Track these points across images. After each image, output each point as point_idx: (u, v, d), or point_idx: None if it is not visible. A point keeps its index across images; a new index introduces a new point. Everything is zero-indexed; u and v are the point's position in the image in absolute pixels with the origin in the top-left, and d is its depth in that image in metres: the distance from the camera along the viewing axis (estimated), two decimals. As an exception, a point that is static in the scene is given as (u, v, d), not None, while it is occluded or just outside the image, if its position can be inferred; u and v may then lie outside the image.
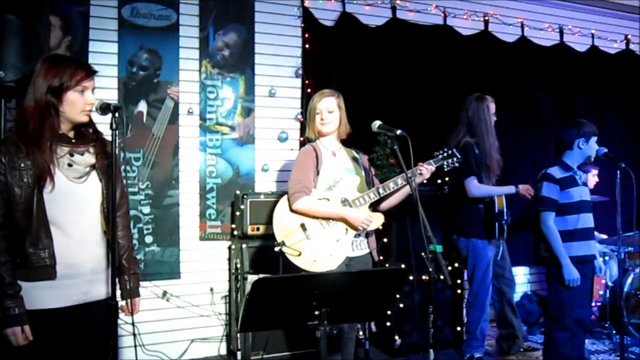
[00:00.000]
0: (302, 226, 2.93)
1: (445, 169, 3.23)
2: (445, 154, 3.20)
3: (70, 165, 2.10)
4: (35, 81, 2.07)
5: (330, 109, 3.06)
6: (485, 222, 3.99)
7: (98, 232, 2.19)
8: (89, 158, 2.16)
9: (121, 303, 2.31)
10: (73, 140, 2.14)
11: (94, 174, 2.18)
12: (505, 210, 4.00)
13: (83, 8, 3.97)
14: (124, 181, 2.44)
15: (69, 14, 3.91)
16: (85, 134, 2.19)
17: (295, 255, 2.88)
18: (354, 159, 3.21)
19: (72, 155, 2.11)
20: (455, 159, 3.20)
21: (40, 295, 2.04)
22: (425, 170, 3.06)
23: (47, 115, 2.05)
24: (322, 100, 3.07)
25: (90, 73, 2.13)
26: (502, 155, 4.13)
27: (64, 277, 2.06)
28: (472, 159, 3.89)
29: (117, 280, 2.25)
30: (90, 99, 2.12)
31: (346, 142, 3.27)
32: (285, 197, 3.02)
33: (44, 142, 2.04)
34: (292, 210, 2.94)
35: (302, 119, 4.56)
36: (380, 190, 3.04)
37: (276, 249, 2.92)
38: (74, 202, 2.10)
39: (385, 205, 3.19)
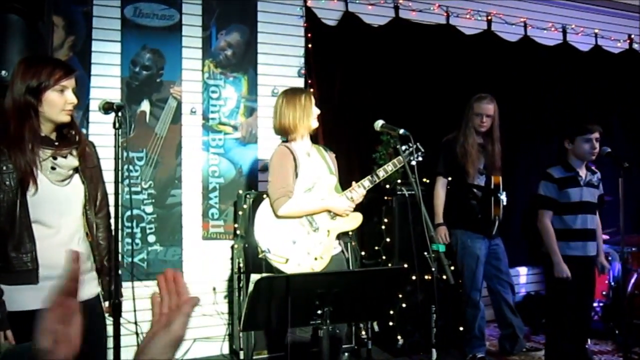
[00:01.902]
0: (286, 232, 2.93)
1: (413, 163, 3.24)
2: (410, 149, 3.17)
3: (53, 168, 2.06)
4: (13, 82, 2.04)
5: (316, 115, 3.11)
6: (482, 208, 4.01)
7: (80, 234, 2.18)
8: (72, 161, 2.13)
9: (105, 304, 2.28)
10: (56, 143, 2.11)
11: (76, 176, 2.16)
12: (501, 187, 4.00)
13: (86, 8, 3.98)
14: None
15: (72, 14, 3.93)
16: (67, 135, 2.16)
17: (282, 262, 2.85)
18: (323, 155, 3.19)
19: (55, 158, 2.07)
20: (420, 153, 3.23)
21: (23, 297, 2.00)
22: (357, 194, 3.05)
23: (27, 116, 2.02)
24: (315, 108, 3.08)
25: (69, 72, 2.10)
26: (504, 154, 4.13)
27: (46, 279, 2.01)
28: (444, 157, 4.03)
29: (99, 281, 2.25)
30: (70, 98, 2.09)
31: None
32: (265, 203, 2.98)
33: (25, 144, 2.00)
34: (277, 216, 2.92)
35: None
36: (349, 194, 3.05)
37: (260, 255, 2.89)
38: (57, 205, 2.08)
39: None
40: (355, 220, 3.08)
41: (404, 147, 3.17)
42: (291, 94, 3.10)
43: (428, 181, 4.36)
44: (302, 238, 2.92)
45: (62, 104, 2.07)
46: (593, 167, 3.59)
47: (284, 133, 3.09)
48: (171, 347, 0.93)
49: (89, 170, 2.20)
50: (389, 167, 3.10)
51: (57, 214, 2.08)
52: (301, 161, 3.01)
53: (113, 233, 2.31)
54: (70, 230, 2.12)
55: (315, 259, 2.91)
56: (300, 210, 2.93)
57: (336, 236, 3.04)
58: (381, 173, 3.10)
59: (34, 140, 2.02)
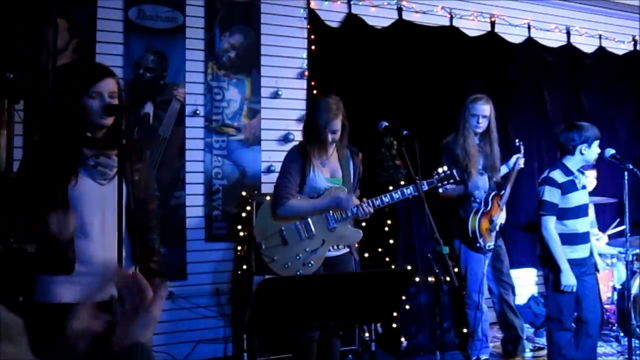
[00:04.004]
0: (281, 232, 2.96)
1: (440, 191, 3.21)
2: (442, 175, 3.14)
3: (94, 166, 2.15)
4: (55, 89, 2.17)
5: (335, 130, 3.02)
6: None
7: (122, 233, 2.20)
8: (113, 162, 2.18)
9: None
10: (100, 143, 2.18)
11: (119, 175, 2.19)
12: (497, 218, 3.96)
13: (90, 10, 3.99)
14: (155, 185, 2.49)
15: (76, 16, 3.93)
16: (113, 135, 2.21)
17: (268, 261, 2.92)
18: (346, 161, 3.15)
19: (97, 157, 2.15)
20: (451, 181, 3.15)
21: (58, 289, 2.08)
22: (362, 212, 2.99)
23: (67, 123, 2.11)
24: (334, 122, 2.98)
25: (100, 76, 2.16)
26: (507, 155, 4.12)
27: (82, 274, 2.07)
28: (447, 159, 3.93)
29: None
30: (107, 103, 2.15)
31: (353, 144, 3.25)
32: (269, 201, 3.04)
33: (69, 145, 2.10)
34: (276, 216, 2.94)
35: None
36: (355, 209, 3.01)
37: (255, 248, 2.98)
38: (97, 203, 2.15)
39: None
40: (354, 235, 3.06)
41: (439, 170, 3.13)
42: (313, 105, 3.12)
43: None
44: (295, 241, 2.95)
45: (98, 109, 2.13)
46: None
47: None
48: (151, 327, 1.06)
49: (136, 172, 2.28)
50: (408, 191, 3.01)
51: (96, 211, 2.15)
52: (313, 167, 3.01)
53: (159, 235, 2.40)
54: (108, 229, 2.17)
55: (304, 264, 2.94)
56: (300, 213, 2.94)
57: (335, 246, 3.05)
58: (397, 195, 3.03)
59: (75, 140, 2.12)
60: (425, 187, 3.06)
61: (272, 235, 2.94)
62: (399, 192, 3.04)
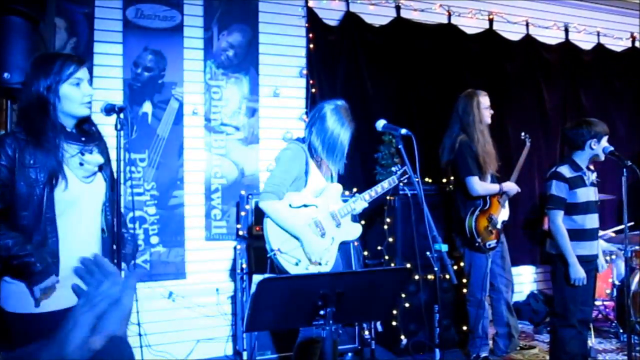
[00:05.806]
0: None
1: (401, 185, 3.31)
2: (402, 170, 3.27)
3: (81, 164, 2.09)
4: (29, 82, 2.06)
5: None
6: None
7: (99, 231, 2.20)
8: (97, 157, 2.16)
9: None
10: (82, 139, 2.13)
11: (99, 173, 2.18)
12: (499, 216, 3.97)
13: (88, 10, 3.99)
14: (128, 183, 2.46)
15: (74, 15, 3.93)
16: (89, 132, 2.19)
17: (292, 263, 2.86)
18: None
19: (82, 154, 2.10)
20: (407, 176, 3.26)
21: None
22: (359, 205, 3.07)
23: (46, 113, 2.03)
24: (350, 131, 3.03)
25: (80, 63, 2.10)
26: (501, 151, 4.12)
27: (67, 278, 1.99)
28: (469, 158, 3.86)
29: None
30: (87, 90, 2.10)
31: (351, 142, 3.25)
32: (277, 203, 2.96)
33: (50, 140, 2.02)
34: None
35: (307, 119, 4.55)
36: (356, 205, 3.06)
37: (270, 254, 2.88)
38: (81, 202, 2.10)
39: None
40: (356, 230, 3.10)
41: (394, 169, 3.32)
42: (326, 114, 3.03)
43: (431, 180, 4.35)
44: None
45: (80, 97, 2.09)
46: (591, 166, 3.59)
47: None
48: (125, 320, 0.99)
49: (108, 167, 2.23)
50: (392, 180, 3.19)
51: (80, 211, 2.10)
52: (311, 168, 3.01)
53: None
54: (90, 228, 2.14)
55: (321, 263, 2.92)
56: (276, 217, 2.88)
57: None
58: (386, 185, 3.15)
59: (58, 136, 2.04)
60: (395, 182, 3.24)
61: (289, 238, 2.91)
62: (387, 182, 3.14)
